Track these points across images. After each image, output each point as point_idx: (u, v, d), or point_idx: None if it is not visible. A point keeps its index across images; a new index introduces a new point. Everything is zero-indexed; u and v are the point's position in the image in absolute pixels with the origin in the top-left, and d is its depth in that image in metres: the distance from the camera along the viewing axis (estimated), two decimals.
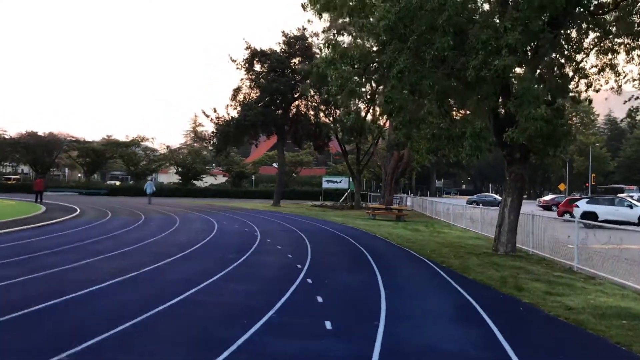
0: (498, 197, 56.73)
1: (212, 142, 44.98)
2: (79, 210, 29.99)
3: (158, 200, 47.51)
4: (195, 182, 71.86)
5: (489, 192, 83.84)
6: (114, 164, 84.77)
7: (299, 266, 12.36)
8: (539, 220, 16.21)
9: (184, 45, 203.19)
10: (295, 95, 43.50)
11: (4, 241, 15.48)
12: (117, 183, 78.80)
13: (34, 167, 70.57)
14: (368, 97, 18.16)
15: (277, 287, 9.87)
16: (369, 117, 40.04)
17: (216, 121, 43.46)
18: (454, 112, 15.25)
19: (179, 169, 70.71)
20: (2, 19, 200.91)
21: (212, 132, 44.32)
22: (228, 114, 43.37)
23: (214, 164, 77.59)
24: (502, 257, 15.20)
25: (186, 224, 23.16)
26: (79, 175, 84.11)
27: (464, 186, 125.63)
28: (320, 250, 15.49)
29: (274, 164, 56.43)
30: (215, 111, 43.58)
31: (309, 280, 10.65)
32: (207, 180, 75.17)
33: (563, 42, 15.35)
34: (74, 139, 71.08)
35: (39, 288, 9.16)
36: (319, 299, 9.02)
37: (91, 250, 13.98)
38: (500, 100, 13.60)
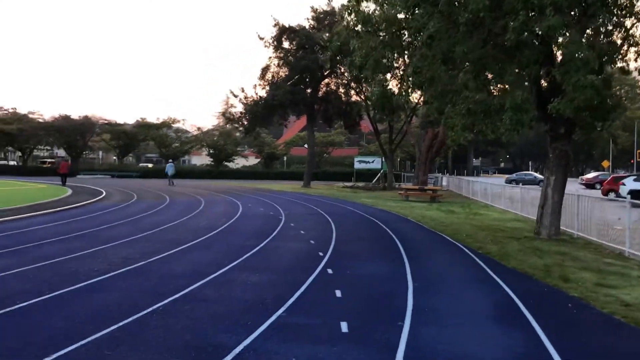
0: (539, 175, 54.67)
1: (240, 123, 44.16)
2: (104, 194, 29.60)
3: (188, 183, 47.22)
4: (227, 163, 71.49)
5: (529, 170, 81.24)
6: (147, 147, 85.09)
7: (320, 254, 11.37)
8: (584, 200, 14.87)
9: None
10: (325, 73, 42.30)
11: (16, 227, 14.94)
12: (150, 165, 78.97)
13: (67, 150, 71.11)
14: (400, 72, 16.74)
15: (293, 278, 8.91)
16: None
17: (244, 101, 42.68)
18: (491, 87, 13.79)
19: (211, 151, 70.41)
20: (38, 10, 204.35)
21: (240, 113, 43.49)
22: (256, 94, 42.52)
23: (246, 146, 77.06)
24: (545, 241, 14.00)
25: (210, 207, 22.43)
26: (114, 157, 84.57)
27: (502, 164, 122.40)
28: (345, 236, 14.47)
29: (306, 145, 55.34)
30: (243, 91, 42.80)
31: (329, 271, 9.65)
32: (238, 162, 74.76)
33: (611, 6, 13.80)
34: (106, 121, 71.24)
35: (31, 282, 8.38)
36: (338, 293, 8.01)
37: (103, 237, 13.25)
38: (543, 69, 12.14)
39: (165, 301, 7.31)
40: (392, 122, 44.29)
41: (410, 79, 12.48)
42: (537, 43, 10.35)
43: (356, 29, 12.43)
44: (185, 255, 10.95)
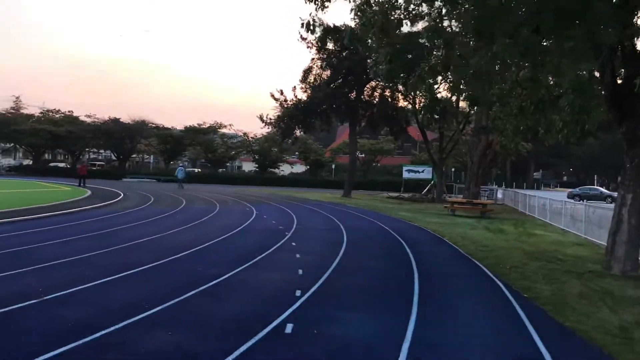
0: (605, 190, 49.62)
1: (278, 126, 41.45)
2: (121, 197, 27.43)
3: (225, 189, 44.90)
4: (272, 170, 69.09)
5: (593, 185, 75.14)
6: (195, 151, 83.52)
7: (297, 293, 8.19)
8: None
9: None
10: (370, 76, 39.16)
11: None
12: (197, 170, 77.48)
13: (115, 153, 70.41)
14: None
15: (218, 346, 5.76)
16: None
17: (284, 104, 40.07)
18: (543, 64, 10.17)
19: (256, 157, 68.23)
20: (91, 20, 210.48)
21: (278, 116, 40.80)
22: (295, 97, 39.88)
23: (297, 153, 74.42)
24: (618, 279, 10.50)
25: (217, 217, 19.59)
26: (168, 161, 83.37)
27: (565, 178, 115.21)
28: (350, 263, 11.20)
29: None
30: (282, 93, 40.17)
31: (288, 328, 6.41)
32: (284, 169, 72.30)
33: None
34: (154, 125, 70.04)
35: None
36: None
37: (34, 258, 10.25)
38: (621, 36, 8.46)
39: None
40: (442, 128, 40.68)
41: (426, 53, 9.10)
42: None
43: None
44: (108, 290, 7.97)
